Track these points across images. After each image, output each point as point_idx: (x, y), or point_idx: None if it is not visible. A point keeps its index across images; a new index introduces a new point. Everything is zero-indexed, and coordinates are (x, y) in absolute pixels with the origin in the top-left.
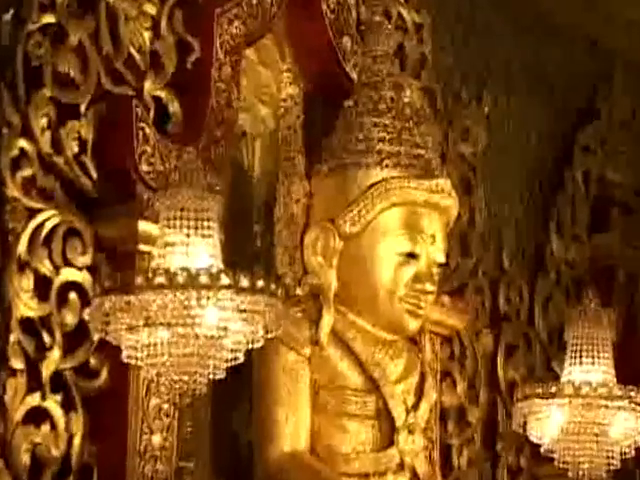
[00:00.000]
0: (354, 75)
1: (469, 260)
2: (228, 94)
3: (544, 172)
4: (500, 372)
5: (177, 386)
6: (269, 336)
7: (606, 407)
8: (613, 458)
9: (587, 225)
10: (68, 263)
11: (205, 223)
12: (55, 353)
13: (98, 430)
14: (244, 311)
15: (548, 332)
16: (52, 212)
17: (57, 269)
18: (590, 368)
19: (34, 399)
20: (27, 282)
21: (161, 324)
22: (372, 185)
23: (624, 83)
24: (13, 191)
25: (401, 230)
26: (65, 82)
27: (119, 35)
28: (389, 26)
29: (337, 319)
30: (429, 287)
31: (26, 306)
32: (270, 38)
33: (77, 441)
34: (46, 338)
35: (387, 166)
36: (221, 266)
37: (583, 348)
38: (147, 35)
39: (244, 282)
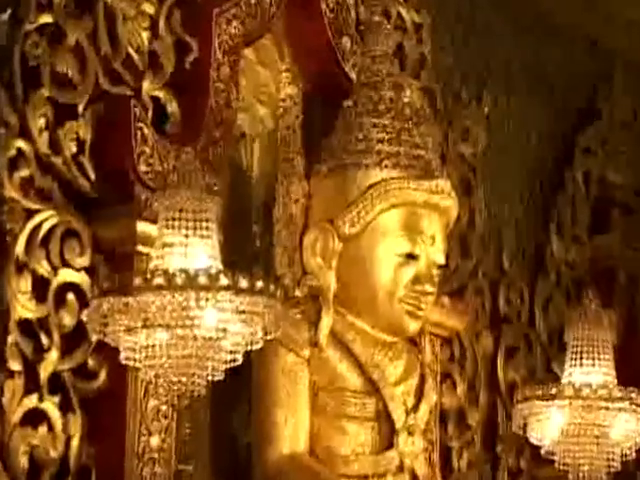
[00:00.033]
0: (353, 75)
1: (469, 261)
2: (227, 94)
3: (544, 173)
4: (500, 374)
5: (176, 388)
6: (268, 337)
7: (606, 409)
8: (613, 460)
9: (587, 226)
10: (66, 264)
11: (204, 224)
12: (53, 354)
13: (96, 432)
14: (243, 312)
15: (548, 333)
16: (50, 213)
17: (55, 270)
18: (590, 370)
19: (32, 401)
20: (25, 283)
21: (160, 325)
22: (371, 186)
23: (624, 83)
24: (11, 192)
25: (401, 231)
26: (63, 82)
27: (117, 35)
28: (388, 26)
29: (336, 320)
30: (429, 288)
31: (24, 307)
32: (269, 38)
33: (75, 443)
34: (44, 339)
35: (386, 167)
36: (220, 267)
37: (583, 350)
38: (145, 35)
39: (243, 283)
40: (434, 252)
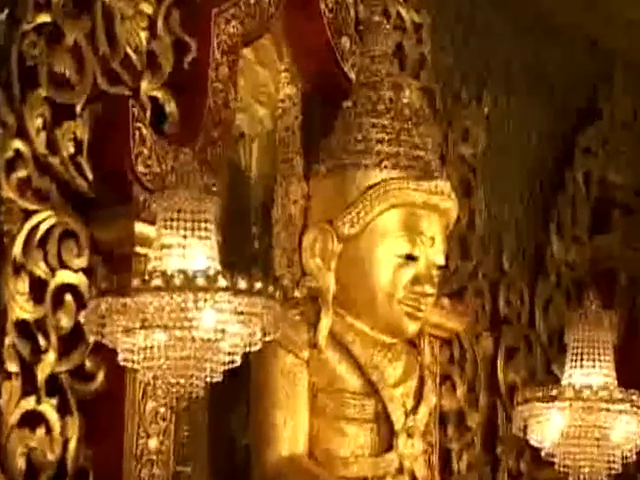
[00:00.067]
0: (352, 75)
1: (469, 262)
2: (225, 94)
3: (544, 173)
4: (500, 375)
5: (174, 389)
6: (267, 339)
7: (607, 410)
8: (614, 462)
9: (588, 227)
10: (64, 265)
11: (202, 225)
12: (50, 356)
13: (94, 434)
14: (242, 313)
15: (549, 335)
16: (48, 213)
17: (53, 271)
18: (591, 371)
19: (29, 403)
20: (22, 284)
21: (158, 327)
22: (371, 186)
23: (624, 83)
24: (8, 192)
25: (400, 232)
26: (61, 82)
27: (115, 35)
28: (388, 26)
29: (335, 322)
30: (428, 289)
31: (21, 309)
32: (268, 38)
33: (73, 445)
34: (41, 341)
35: (386, 167)
36: (218, 268)
37: (584, 351)
38: (144, 35)
39: (242, 284)
40: (434, 253)
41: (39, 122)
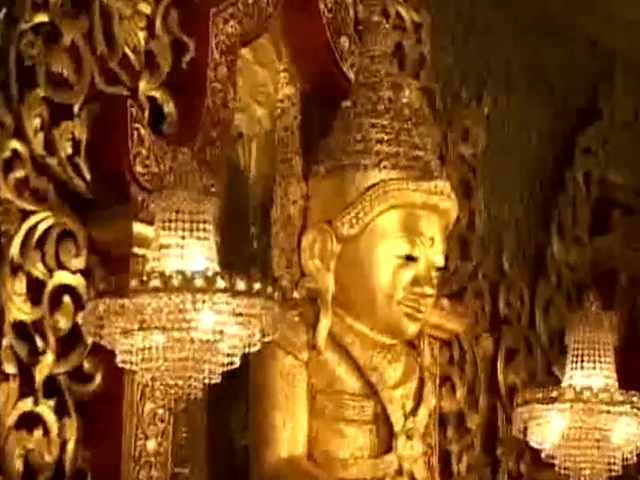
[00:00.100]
0: (351, 75)
1: (469, 263)
2: (224, 94)
3: (544, 173)
4: (500, 377)
5: (172, 391)
6: (266, 340)
7: (608, 412)
8: (615, 464)
9: (588, 227)
10: (62, 266)
11: (201, 225)
12: (48, 357)
13: (92, 435)
14: (240, 315)
15: (549, 336)
16: (45, 214)
17: (50, 272)
18: (591, 373)
19: (27, 404)
20: (20, 285)
21: (156, 328)
22: (370, 187)
23: (625, 83)
24: (6, 193)
25: (400, 232)
26: (58, 82)
27: (113, 35)
28: (387, 25)
29: (335, 323)
30: (428, 290)
31: (19, 310)
32: (266, 38)
33: (70, 447)
34: (39, 342)
35: (385, 167)
36: (217, 269)
37: (584, 352)
38: (142, 35)
39: (240, 285)
40: (433, 254)
41: (37, 122)
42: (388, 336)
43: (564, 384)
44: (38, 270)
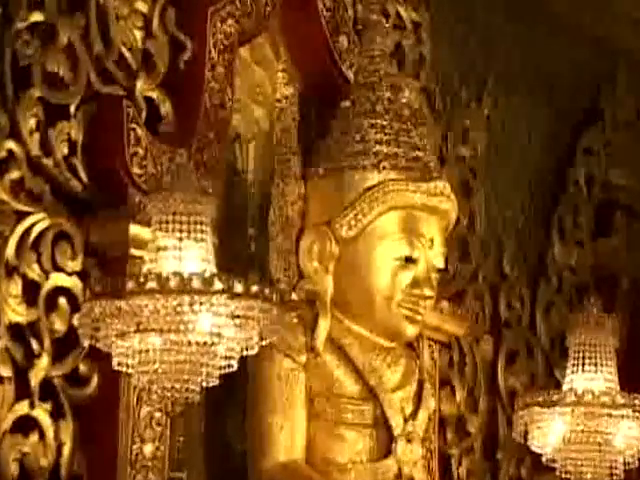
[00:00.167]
0: (350, 75)
1: (469, 265)
2: (222, 94)
3: (546, 174)
4: (500, 380)
5: (169, 394)
6: (264, 343)
7: (609, 416)
8: (616, 468)
9: (590, 229)
10: (57, 268)
11: (198, 227)
12: (44, 360)
13: (88, 439)
14: (238, 317)
15: (550, 338)
16: (41, 215)
17: (46, 274)
18: (593, 376)
19: (22, 407)
20: (15, 287)
21: (153, 330)
22: (369, 188)
23: (628, 83)
24: (1, 194)
25: (399, 234)
26: (54, 82)
27: (110, 34)
28: (386, 25)
29: (333, 325)
30: (427, 292)
31: (14, 312)
32: (265, 37)
33: (66, 451)
34: (35, 345)
35: (385, 168)
36: (214, 271)
37: (585, 355)
38: (139, 34)
39: (238, 287)
40: (433, 255)
41: (32, 122)
42: (387, 339)
43: (565, 387)
44: (34, 272)
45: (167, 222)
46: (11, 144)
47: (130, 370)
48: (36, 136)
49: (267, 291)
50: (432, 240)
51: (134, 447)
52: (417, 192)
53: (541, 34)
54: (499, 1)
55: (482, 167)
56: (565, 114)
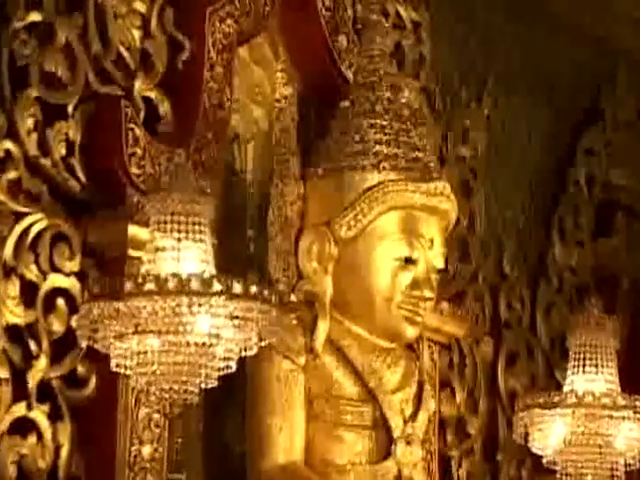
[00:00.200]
0: (350, 75)
1: (469, 265)
2: (220, 95)
3: (546, 175)
4: (501, 381)
5: (167, 396)
6: (263, 344)
7: (610, 417)
8: (617, 470)
9: (590, 229)
10: (55, 269)
11: (197, 227)
12: (42, 361)
13: (86, 441)
14: (237, 318)
15: (550, 340)
16: (39, 216)
17: (44, 275)
18: (594, 377)
19: (20, 409)
20: (13, 288)
21: (151, 332)
22: (369, 188)
23: (628, 83)
24: None
25: (399, 234)
26: (52, 82)
27: (108, 34)
28: (386, 24)
29: (333, 326)
30: (427, 293)
31: (12, 313)
32: (264, 37)
33: (64, 452)
34: (32, 346)
35: (384, 169)
36: (213, 272)
37: (586, 356)
38: (137, 34)
39: (237, 288)
40: (433, 256)
41: (30, 123)
42: (387, 340)
43: (566, 389)
44: (32, 273)
45: (165, 222)
46: (9, 144)
47: (128, 371)
48: (34, 136)
49: (266, 292)
50: (432, 241)
51: (132, 449)
52: (417, 192)
53: (541, 34)
54: (499, 1)
55: (482, 167)
56: (565, 114)
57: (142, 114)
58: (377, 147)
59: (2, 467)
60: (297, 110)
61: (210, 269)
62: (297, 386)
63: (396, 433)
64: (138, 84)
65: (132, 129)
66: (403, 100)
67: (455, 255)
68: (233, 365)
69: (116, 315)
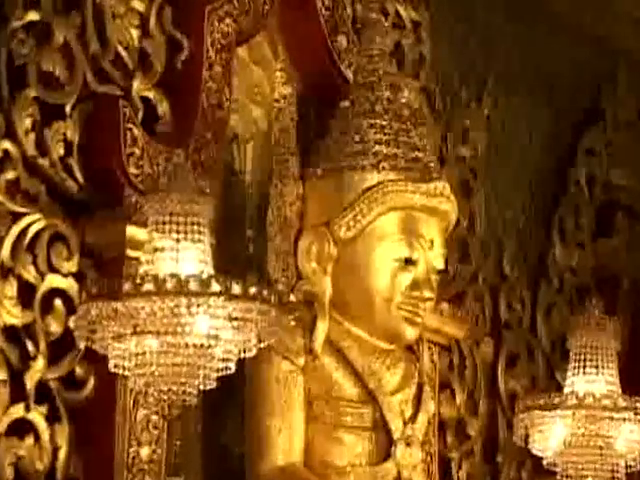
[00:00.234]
0: (349, 75)
1: (469, 266)
2: (219, 94)
3: (546, 175)
4: (501, 382)
5: (166, 397)
6: (262, 345)
7: (610, 419)
8: (618, 472)
9: (591, 230)
10: (53, 269)
11: (195, 228)
12: (39, 363)
13: (84, 443)
14: (236, 319)
15: (551, 341)
16: (36, 216)
17: (42, 275)
18: (594, 378)
19: (18, 410)
20: (10, 289)
21: (150, 332)
22: (368, 189)
23: (629, 83)
24: None
25: (398, 235)
26: (50, 82)
27: (106, 33)
28: (386, 24)
29: (332, 327)
30: (427, 294)
31: (9, 314)
32: (263, 36)
33: (62, 454)
34: (30, 347)
35: (384, 169)
36: (212, 272)
37: (587, 357)
38: (135, 33)
39: (236, 289)
40: (433, 257)
41: (28, 122)
42: (387, 341)
43: (566, 390)
44: (29, 273)
45: (164, 223)
46: (7, 144)
47: (127, 373)
48: (32, 136)
49: (265, 293)
50: (432, 241)
51: (131, 450)
52: (417, 193)
53: (541, 34)
54: (499, 1)
55: (482, 167)
56: (566, 114)
57: (140, 114)
58: (377, 147)
59: None
60: (296, 110)
61: (209, 270)
62: (296, 387)
63: (396, 435)
64: (136, 84)
65: (130, 129)
66: (403, 100)
67: (455, 256)
68: (232, 366)
69: (114, 316)
